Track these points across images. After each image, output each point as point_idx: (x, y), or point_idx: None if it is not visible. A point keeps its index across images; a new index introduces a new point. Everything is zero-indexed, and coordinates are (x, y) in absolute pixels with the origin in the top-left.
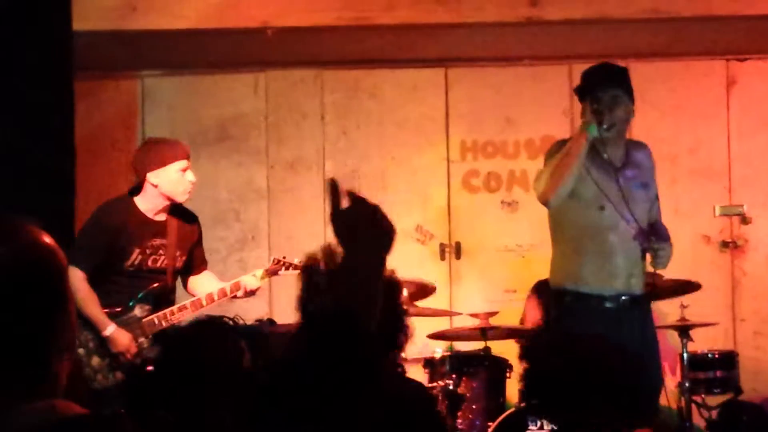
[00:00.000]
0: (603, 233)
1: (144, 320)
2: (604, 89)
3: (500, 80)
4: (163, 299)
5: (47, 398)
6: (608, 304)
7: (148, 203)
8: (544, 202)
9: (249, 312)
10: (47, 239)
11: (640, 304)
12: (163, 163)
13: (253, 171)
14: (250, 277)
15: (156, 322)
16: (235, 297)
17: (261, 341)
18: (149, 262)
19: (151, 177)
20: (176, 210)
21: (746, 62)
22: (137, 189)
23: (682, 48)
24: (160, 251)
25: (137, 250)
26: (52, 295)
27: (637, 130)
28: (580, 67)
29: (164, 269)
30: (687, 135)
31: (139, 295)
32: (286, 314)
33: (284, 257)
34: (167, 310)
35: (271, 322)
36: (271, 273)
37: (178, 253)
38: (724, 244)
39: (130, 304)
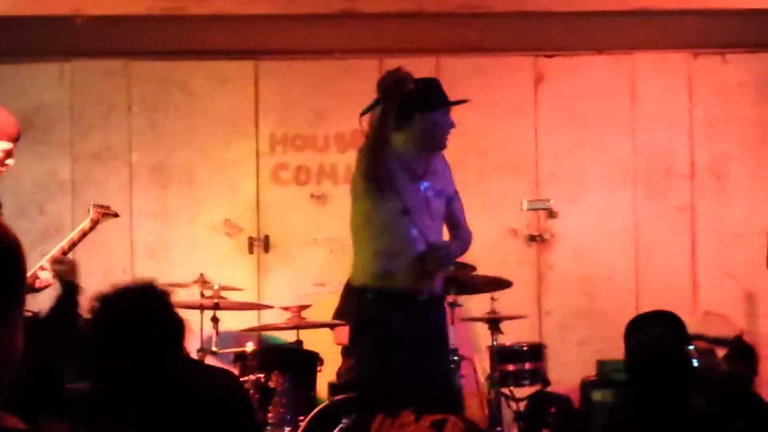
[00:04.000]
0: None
1: None
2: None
3: (311, 73)
4: None
5: None
6: (410, 302)
7: None
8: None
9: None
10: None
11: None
12: None
13: (57, 163)
14: (41, 271)
15: None
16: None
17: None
18: None
19: None
20: None
21: (554, 59)
22: None
23: (493, 43)
24: None
25: None
26: (5, 281)
27: None
28: (390, 61)
29: None
30: (496, 130)
31: None
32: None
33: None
34: None
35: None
36: (92, 227)
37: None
38: (531, 238)
39: None
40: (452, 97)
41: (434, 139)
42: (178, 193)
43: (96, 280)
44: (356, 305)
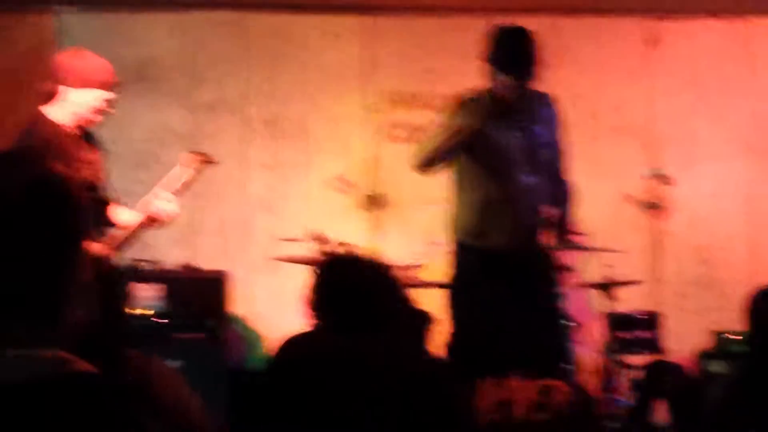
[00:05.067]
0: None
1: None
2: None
3: (426, 31)
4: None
5: (52, 347)
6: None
7: (64, 116)
8: (413, 168)
9: (171, 258)
10: (62, 174)
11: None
12: (86, 84)
13: (172, 113)
14: (166, 203)
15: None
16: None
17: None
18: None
19: (68, 92)
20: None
21: (671, 21)
22: (48, 98)
23: (606, 5)
24: (93, 165)
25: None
26: (64, 230)
27: (559, 86)
28: (505, 20)
29: (98, 185)
30: (610, 93)
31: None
32: (207, 260)
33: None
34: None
35: (192, 268)
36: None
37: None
38: (646, 204)
39: None
40: (565, 60)
41: (508, 99)
42: (293, 146)
43: (212, 232)
44: (452, 262)
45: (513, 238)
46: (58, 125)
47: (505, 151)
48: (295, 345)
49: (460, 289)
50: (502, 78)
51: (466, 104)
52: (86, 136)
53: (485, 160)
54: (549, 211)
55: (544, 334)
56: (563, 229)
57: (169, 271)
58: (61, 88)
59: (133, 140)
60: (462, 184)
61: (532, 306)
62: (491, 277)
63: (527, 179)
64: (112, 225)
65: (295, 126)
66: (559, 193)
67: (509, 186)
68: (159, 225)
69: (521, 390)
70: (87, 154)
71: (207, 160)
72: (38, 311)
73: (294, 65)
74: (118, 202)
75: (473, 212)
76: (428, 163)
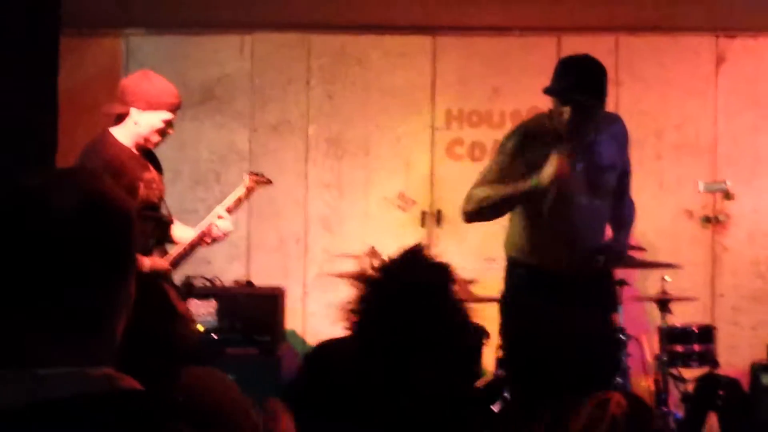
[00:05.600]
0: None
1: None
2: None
3: (488, 50)
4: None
5: (101, 365)
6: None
7: (128, 138)
8: (463, 217)
9: (228, 273)
10: (118, 193)
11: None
12: (154, 107)
13: (235, 133)
14: (219, 220)
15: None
16: (207, 242)
17: None
18: (149, 197)
19: (135, 114)
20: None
21: (736, 39)
22: (117, 120)
23: (672, 23)
24: (153, 185)
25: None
26: (116, 248)
27: (624, 104)
28: (568, 39)
29: (158, 204)
30: (674, 111)
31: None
32: (263, 277)
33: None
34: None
35: (248, 284)
36: (248, 195)
37: (163, 187)
38: (706, 220)
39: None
40: (630, 77)
41: (570, 129)
42: (353, 165)
43: (270, 249)
44: (504, 278)
45: (567, 260)
46: (122, 146)
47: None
48: (324, 354)
49: (509, 303)
50: (561, 109)
51: (527, 133)
52: (147, 155)
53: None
54: (609, 235)
55: (596, 349)
56: (620, 252)
57: (225, 288)
58: (129, 110)
59: (198, 159)
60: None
61: (584, 325)
62: (541, 294)
63: (586, 202)
64: (171, 242)
65: (356, 145)
66: (624, 214)
67: (566, 208)
68: (214, 242)
69: (577, 403)
70: (148, 174)
71: (262, 180)
72: (88, 328)
73: (356, 85)
74: (176, 219)
75: (526, 230)
76: (480, 218)
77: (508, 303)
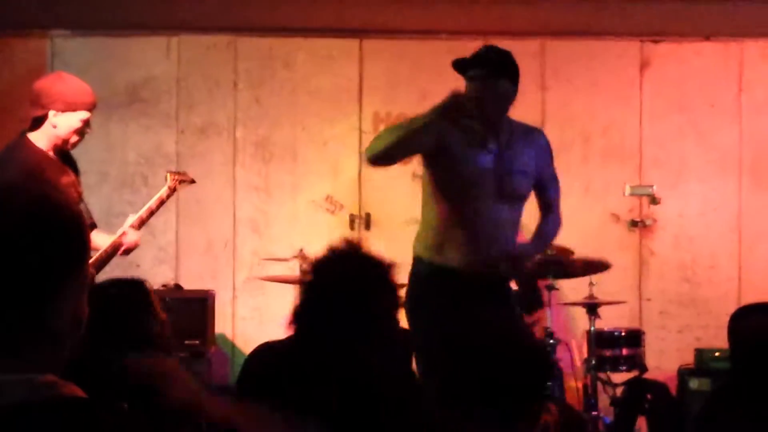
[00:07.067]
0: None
1: None
2: (475, 72)
3: (415, 53)
4: None
5: (47, 371)
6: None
7: (46, 141)
8: (367, 160)
9: (156, 277)
10: (64, 196)
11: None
12: (72, 108)
13: (162, 135)
14: (126, 234)
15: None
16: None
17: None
18: None
19: (53, 116)
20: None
21: (660, 44)
22: (35, 124)
23: (597, 27)
24: (71, 189)
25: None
26: (65, 255)
27: (550, 108)
28: (494, 42)
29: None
30: (601, 115)
31: None
32: (192, 280)
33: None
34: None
35: (177, 287)
36: (170, 195)
37: (81, 190)
38: (633, 224)
39: None
40: (556, 82)
41: (476, 108)
42: (281, 168)
43: (198, 252)
44: (409, 277)
45: (468, 260)
46: (41, 151)
47: (470, 173)
48: (261, 355)
49: (411, 301)
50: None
51: (443, 105)
52: (64, 158)
53: (449, 179)
54: (518, 243)
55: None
56: (522, 262)
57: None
58: (47, 113)
59: (125, 162)
60: (426, 201)
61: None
62: (438, 290)
63: (493, 205)
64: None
65: (283, 148)
66: (543, 229)
67: (469, 208)
68: (126, 253)
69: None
70: (66, 178)
71: (185, 180)
72: (34, 334)
73: (283, 88)
74: (100, 223)
75: (434, 230)
76: (382, 156)
77: (409, 300)
